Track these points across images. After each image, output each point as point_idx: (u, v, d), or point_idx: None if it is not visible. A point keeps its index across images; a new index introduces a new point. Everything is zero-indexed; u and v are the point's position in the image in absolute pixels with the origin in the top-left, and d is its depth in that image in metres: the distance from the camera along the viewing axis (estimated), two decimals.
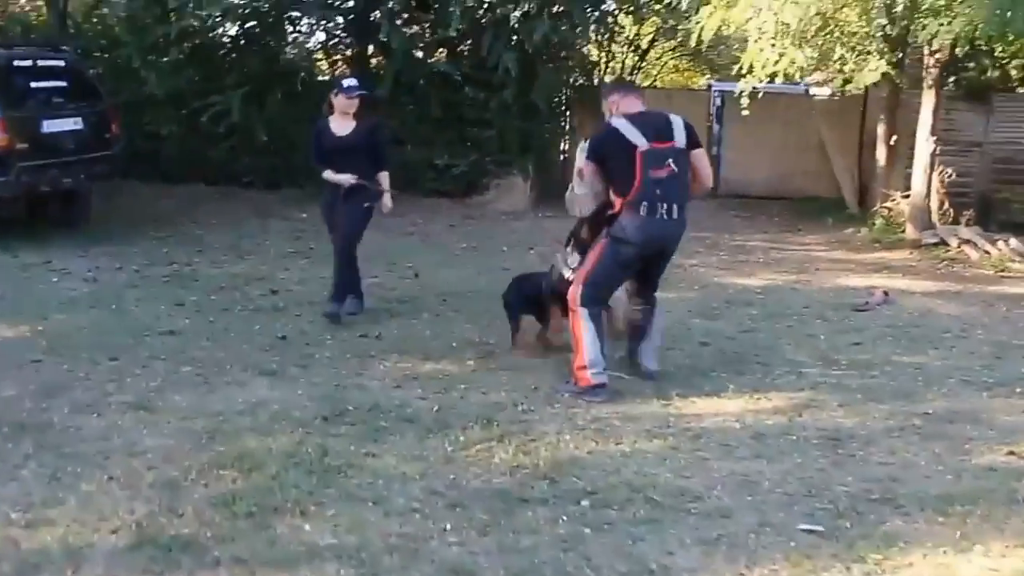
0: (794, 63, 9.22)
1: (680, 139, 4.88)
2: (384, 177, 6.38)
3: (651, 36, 16.11)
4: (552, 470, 4.08)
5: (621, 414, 4.82)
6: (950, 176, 11.64)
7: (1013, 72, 12.20)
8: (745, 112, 10.27)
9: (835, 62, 10.23)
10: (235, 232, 9.68)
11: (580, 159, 5.18)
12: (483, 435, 4.45)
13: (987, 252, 10.22)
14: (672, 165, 4.86)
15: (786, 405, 5.05)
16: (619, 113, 5.02)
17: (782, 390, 5.31)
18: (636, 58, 15.77)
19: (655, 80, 18.31)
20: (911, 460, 4.38)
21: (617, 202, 4.99)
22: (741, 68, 9.90)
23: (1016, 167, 13.52)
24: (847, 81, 10.54)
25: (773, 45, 9.14)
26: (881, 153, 12.26)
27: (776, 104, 14.00)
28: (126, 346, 5.70)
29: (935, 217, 11.53)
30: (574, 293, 5.12)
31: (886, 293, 8.12)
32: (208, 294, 7.20)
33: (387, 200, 6.40)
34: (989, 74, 12.87)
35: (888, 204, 12.01)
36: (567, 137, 13.84)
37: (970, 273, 9.72)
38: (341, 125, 6.26)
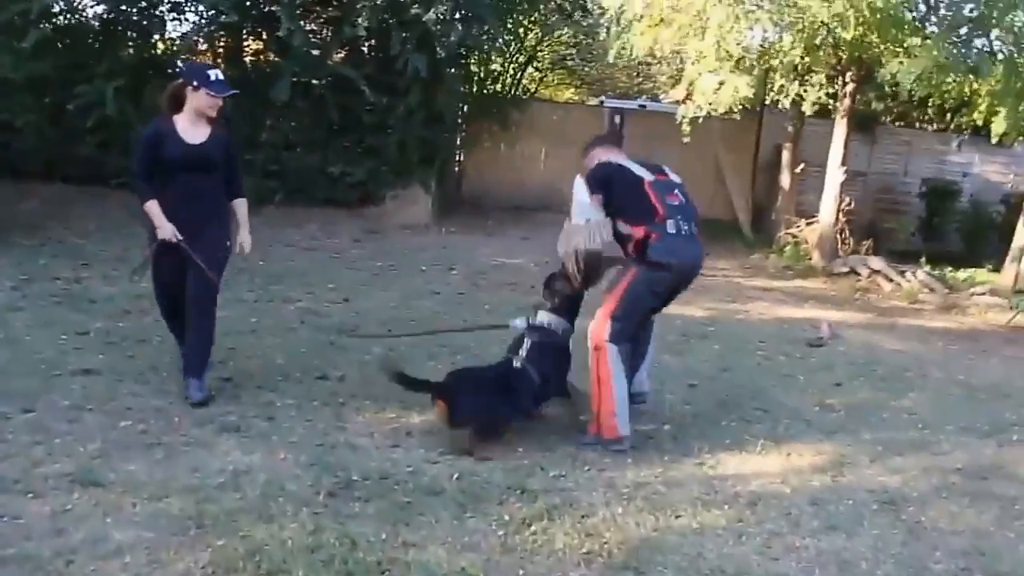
0: (737, 91, 8.98)
1: (673, 176, 4.81)
2: (242, 207, 4.84)
3: (540, 47, 15.76)
4: (629, 557, 3.50)
5: (660, 477, 4.38)
6: (848, 205, 11.82)
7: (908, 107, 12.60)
8: (686, 139, 10.02)
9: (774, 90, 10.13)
10: (119, 241, 8.38)
11: (581, 192, 4.60)
12: (528, 512, 3.79)
13: (898, 284, 10.38)
14: (679, 195, 4.75)
15: (821, 463, 4.77)
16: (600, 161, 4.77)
17: (804, 443, 5.04)
18: (519, 70, 15.32)
19: (538, 93, 17.95)
20: (981, 528, 4.15)
21: (638, 231, 4.58)
22: (688, 91, 9.59)
23: (894, 196, 14.10)
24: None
25: (714, 71, 8.89)
26: (785, 179, 12.35)
27: (669, 122, 13.97)
28: (35, 391, 4.59)
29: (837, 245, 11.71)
30: (600, 329, 4.59)
31: (829, 326, 8.09)
32: (113, 319, 6.07)
33: (246, 238, 4.81)
34: (874, 106, 13.27)
35: (792, 231, 12.07)
36: (460, 149, 13.20)
37: (887, 304, 9.96)
38: (194, 130, 4.57)
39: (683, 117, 9.87)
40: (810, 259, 11.48)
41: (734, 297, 9.45)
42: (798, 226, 12.02)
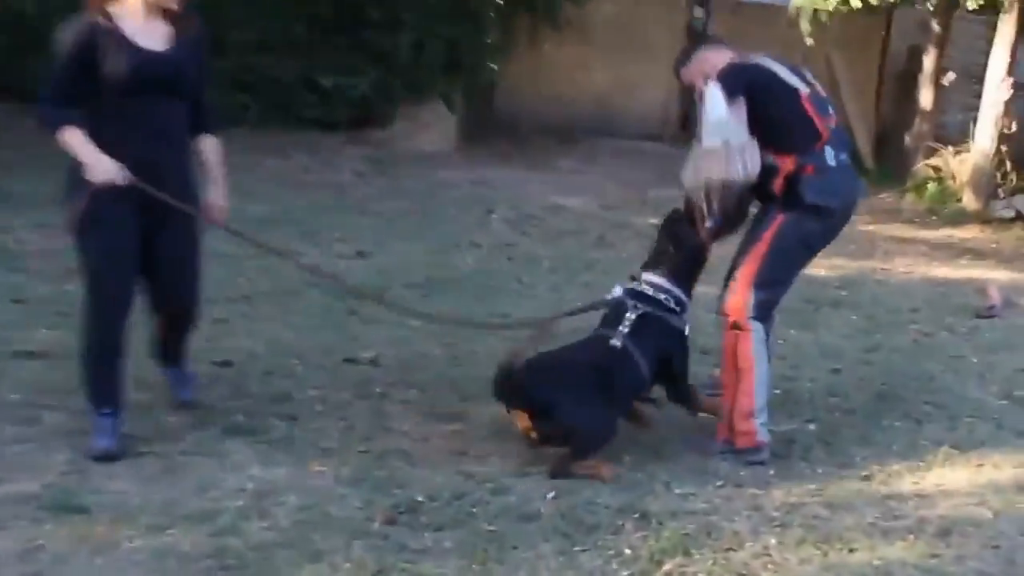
0: None
1: (819, 87, 4.71)
2: (213, 150, 4.21)
3: None
4: None
5: (819, 496, 4.29)
6: (1010, 128, 11.61)
7: None
8: (809, 40, 9.89)
9: None
10: (41, 174, 8.17)
11: (715, 103, 4.40)
12: (656, 544, 3.71)
13: None
14: (833, 113, 4.65)
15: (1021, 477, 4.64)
16: (720, 62, 4.53)
17: (997, 450, 4.93)
18: None
19: None
20: None
21: (787, 161, 4.45)
22: None
23: None
24: None
25: None
26: (926, 94, 12.12)
27: (768, 18, 13.71)
28: None
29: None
30: (740, 303, 4.50)
31: (1000, 291, 8.01)
32: (56, 282, 5.97)
33: (219, 200, 4.20)
34: None
35: (934, 162, 11.88)
36: (494, 54, 12.98)
37: None
38: (149, 30, 3.87)
39: (796, 8, 9.69)
40: (960, 200, 11.31)
41: (867, 251, 9.34)
42: (941, 156, 11.80)
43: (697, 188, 4.44)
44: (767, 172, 4.45)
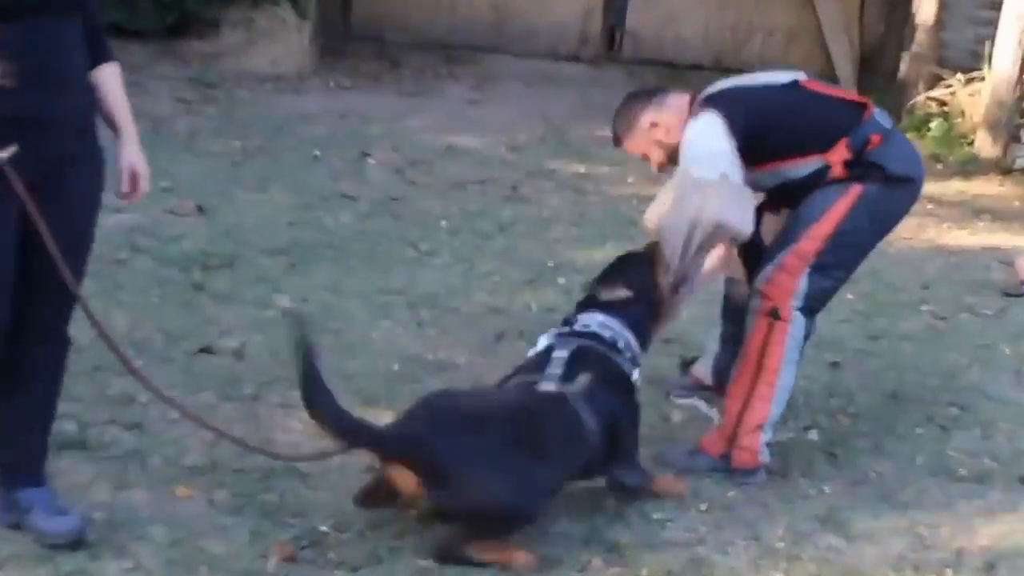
0: None
1: None
2: (117, 84, 3.86)
3: None
4: None
5: (830, 523, 4.54)
6: None
7: None
8: None
9: None
10: None
11: (707, 135, 4.60)
12: None
13: None
14: None
15: None
16: (676, 118, 4.83)
17: None
18: None
19: None
20: None
21: (839, 148, 4.71)
22: None
23: None
24: None
25: None
26: (927, 4, 12.50)
27: None
28: None
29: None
30: (788, 285, 4.71)
31: None
32: None
33: (138, 162, 3.82)
34: None
35: (937, 94, 12.29)
36: None
37: None
38: None
39: None
40: (972, 143, 11.70)
41: None
42: (948, 86, 12.20)
43: (676, 228, 4.52)
44: (814, 177, 4.71)
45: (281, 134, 9.52)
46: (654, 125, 4.80)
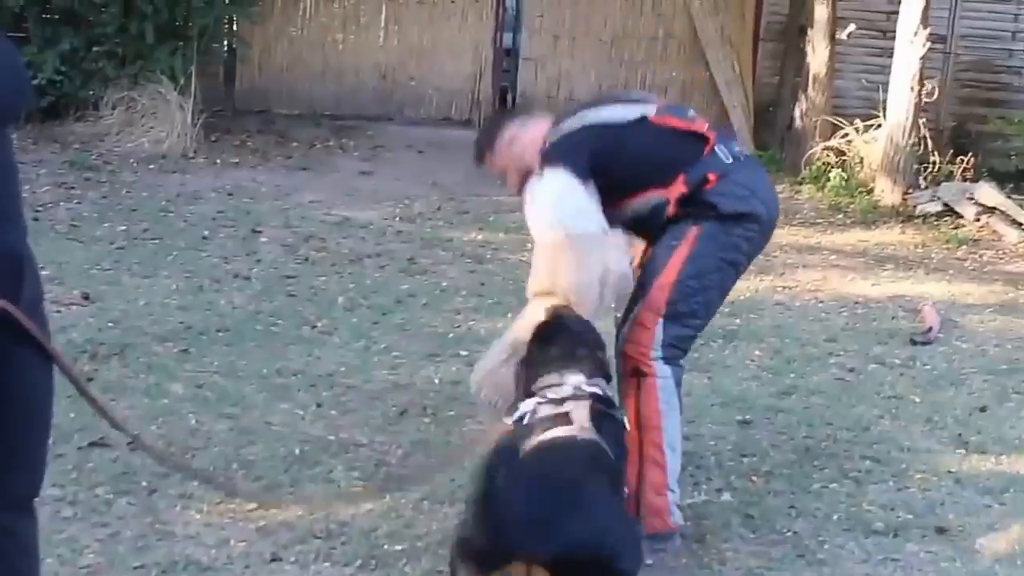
0: None
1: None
2: None
3: None
4: None
5: None
6: (930, 95, 12.32)
7: None
8: None
9: None
10: None
11: (568, 185, 4.59)
12: None
13: None
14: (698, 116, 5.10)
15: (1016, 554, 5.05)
16: (534, 140, 4.84)
17: (959, 513, 5.36)
18: None
19: None
20: None
21: (677, 183, 4.73)
22: None
23: (998, 78, 14.72)
24: None
25: None
26: (819, 54, 12.76)
27: None
28: None
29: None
30: (645, 339, 4.74)
31: (936, 309, 8.56)
32: None
33: None
34: None
35: (834, 143, 12.53)
36: (252, 13, 13.09)
37: (1015, 266, 10.48)
38: None
39: None
40: (871, 191, 11.94)
41: (761, 264, 9.58)
42: (845, 135, 12.44)
43: (588, 288, 4.53)
44: (654, 212, 4.76)
45: (168, 215, 9.53)
46: (511, 142, 4.83)
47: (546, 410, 3.96)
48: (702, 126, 4.85)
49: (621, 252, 4.66)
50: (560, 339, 4.31)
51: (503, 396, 4.49)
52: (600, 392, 4.13)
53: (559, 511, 3.33)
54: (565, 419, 3.89)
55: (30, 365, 3.05)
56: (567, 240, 4.53)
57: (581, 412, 3.91)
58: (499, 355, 4.60)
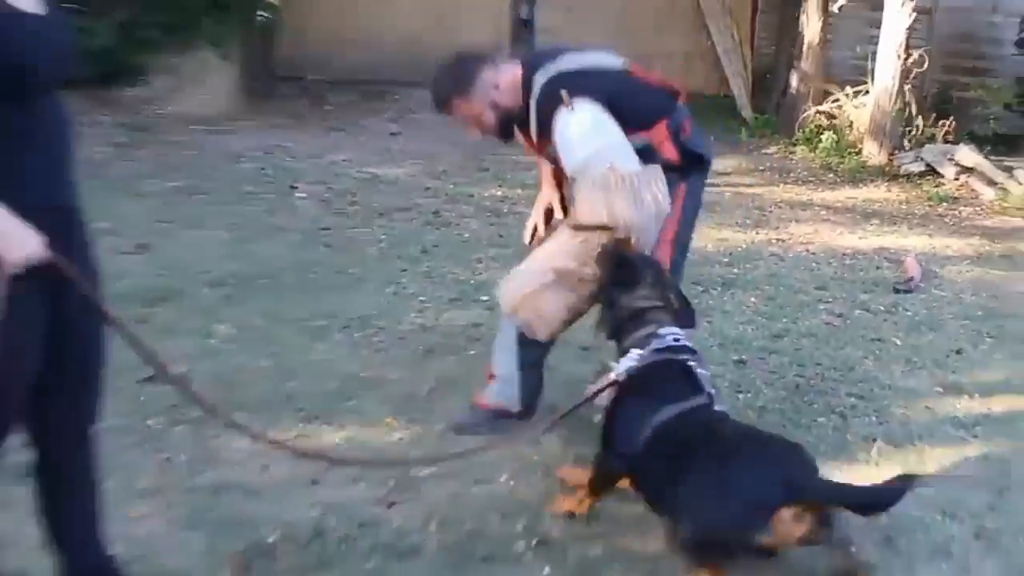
0: None
1: None
2: None
3: None
4: None
5: None
6: (918, 64, 12.28)
7: None
8: None
9: None
10: None
11: (578, 123, 4.55)
12: (561, 572, 3.96)
13: (1003, 188, 10.98)
14: None
15: (975, 477, 5.09)
16: (512, 82, 4.70)
17: (934, 443, 5.42)
18: None
19: None
20: None
21: (661, 127, 4.72)
22: None
23: (977, 47, 14.67)
24: None
25: None
26: (812, 24, 12.74)
27: None
28: None
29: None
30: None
31: (918, 260, 8.60)
32: None
33: None
34: None
35: (826, 108, 12.53)
36: None
37: (992, 221, 10.56)
38: None
39: None
40: (860, 152, 11.93)
41: (757, 219, 9.82)
42: (835, 100, 12.43)
43: (647, 224, 4.51)
44: (640, 153, 4.65)
45: (214, 173, 9.55)
46: (496, 87, 4.63)
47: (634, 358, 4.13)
48: (672, 82, 4.88)
49: (666, 188, 4.56)
50: (646, 283, 4.31)
51: (544, 320, 4.58)
52: (690, 344, 4.23)
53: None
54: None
55: (86, 303, 3.21)
56: (619, 176, 4.44)
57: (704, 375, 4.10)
58: (538, 279, 4.56)
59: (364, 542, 4.10)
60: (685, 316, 4.39)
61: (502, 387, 5.05)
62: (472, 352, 5.83)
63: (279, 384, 5.46)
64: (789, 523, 3.63)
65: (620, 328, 4.30)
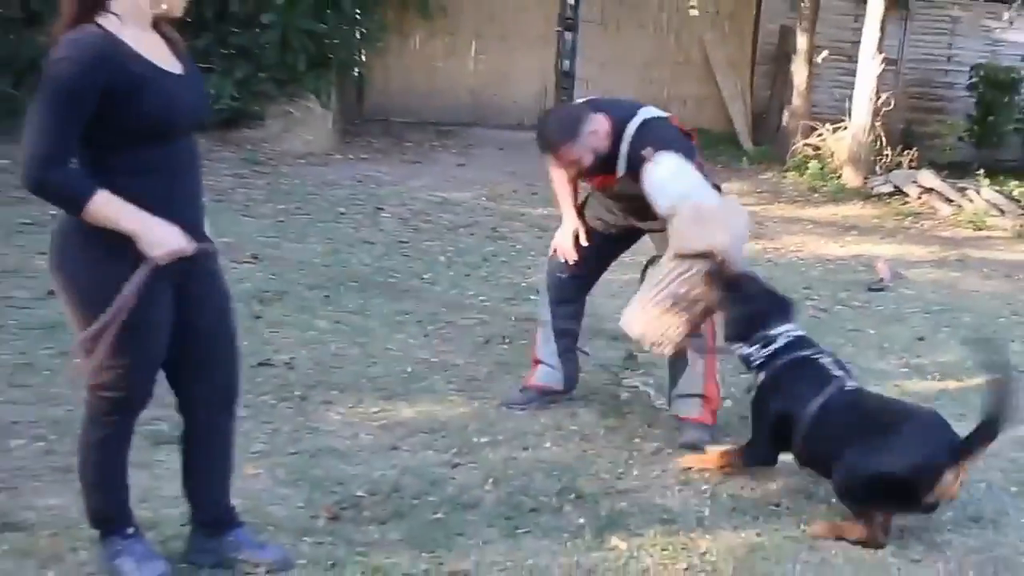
0: None
1: None
2: None
3: None
4: (740, 570, 3.63)
5: (751, 474, 4.45)
6: (887, 104, 12.18)
7: None
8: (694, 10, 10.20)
9: None
10: None
11: (673, 170, 4.42)
12: (596, 522, 3.97)
13: (958, 205, 10.88)
14: None
15: None
16: (607, 130, 4.52)
17: None
18: None
19: None
20: None
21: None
22: None
23: (935, 90, 14.58)
24: None
25: None
26: (800, 73, 12.65)
27: (646, 6, 14.21)
28: None
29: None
30: None
31: (888, 264, 8.53)
32: None
33: None
34: None
35: (812, 141, 12.43)
36: (361, 47, 13.08)
37: (948, 232, 10.46)
38: (153, 47, 3.00)
39: None
40: (840, 177, 11.88)
41: (755, 231, 9.71)
42: (819, 134, 12.35)
43: (736, 247, 4.40)
44: None
45: (314, 197, 9.57)
46: (594, 133, 4.44)
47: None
48: (684, 126, 4.76)
49: (744, 216, 4.57)
50: (757, 292, 4.34)
51: (668, 339, 4.45)
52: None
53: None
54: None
55: (218, 287, 3.31)
56: (708, 209, 4.34)
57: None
58: (657, 306, 4.40)
59: (433, 497, 4.07)
60: (791, 311, 4.37)
61: (548, 371, 5.02)
62: (523, 342, 5.77)
63: (365, 367, 5.45)
64: (951, 481, 3.75)
65: (746, 330, 4.27)
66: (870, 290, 7.92)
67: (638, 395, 5.32)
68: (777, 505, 4.23)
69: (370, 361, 5.55)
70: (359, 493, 4.06)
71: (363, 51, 13.14)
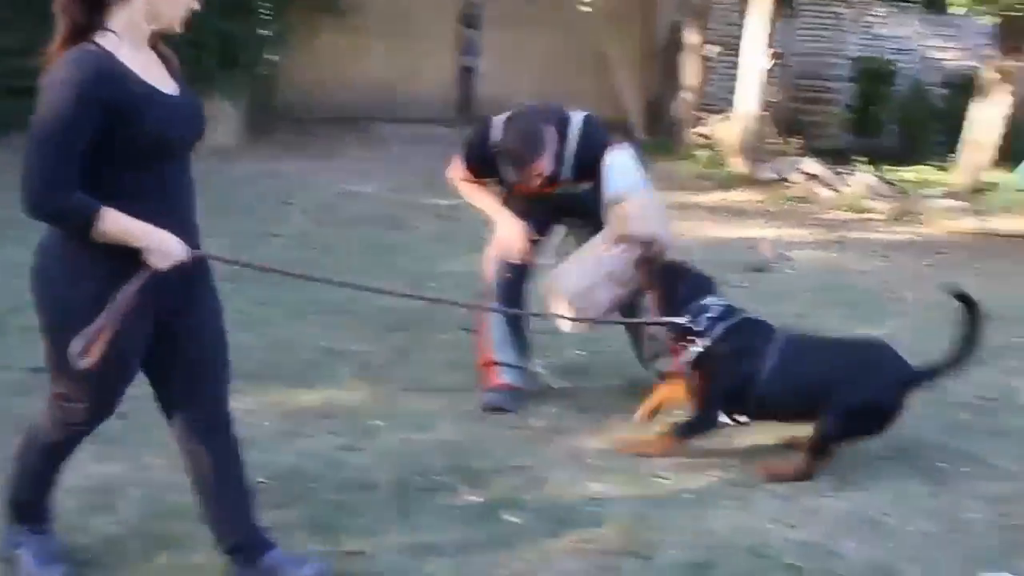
0: None
1: None
2: None
3: None
4: (628, 540, 3.68)
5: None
6: (774, 96, 12.40)
7: None
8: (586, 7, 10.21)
9: None
10: None
11: (624, 156, 4.68)
12: (489, 498, 3.96)
13: (838, 191, 11.10)
14: None
15: None
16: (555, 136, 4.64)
17: None
18: None
19: None
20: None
21: None
22: None
23: (819, 84, 14.85)
24: None
25: None
26: (692, 68, 12.79)
27: (545, 3, 14.25)
28: None
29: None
30: None
31: (772, 245, 8.67)
32: None
33: None
34: None
35: (702, 131, 12.58)
36: (284, 44, 12.92)
37: (830, 215, 10.67)
38: (148, 67, 2.89)
39: None
40: (729, 165, 12.02)
41: None
42: (705, 123, 12.52)
43: (666, 236, 4.72)
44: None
45: (222, 192, 9.42)
46: (552, 141, 4.54)
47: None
48: None
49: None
50: (690, 273, 4.61)
51: (595, 308, 4.62)
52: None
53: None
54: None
55: (211, 292, 3.30)
56: (652, 203, 4.70)
57: None
58: (590, 278, 4.57)
59: (331, 480, 4.04)
60: (715, 286, 4.62)
61: (514, 371, 4.99)
62: (421, 330, 5.73)
63: (270, 355, 5.40)
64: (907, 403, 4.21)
65: (683, 302, 4.42)
66: (754, 270, 8.05)
67: (531, 376, 5.31)
68: (665, 478, 4.26)
69: (275, 348, 5.50)
70: (260, 479, 3.96)
71: (273, 51, 13.00)
